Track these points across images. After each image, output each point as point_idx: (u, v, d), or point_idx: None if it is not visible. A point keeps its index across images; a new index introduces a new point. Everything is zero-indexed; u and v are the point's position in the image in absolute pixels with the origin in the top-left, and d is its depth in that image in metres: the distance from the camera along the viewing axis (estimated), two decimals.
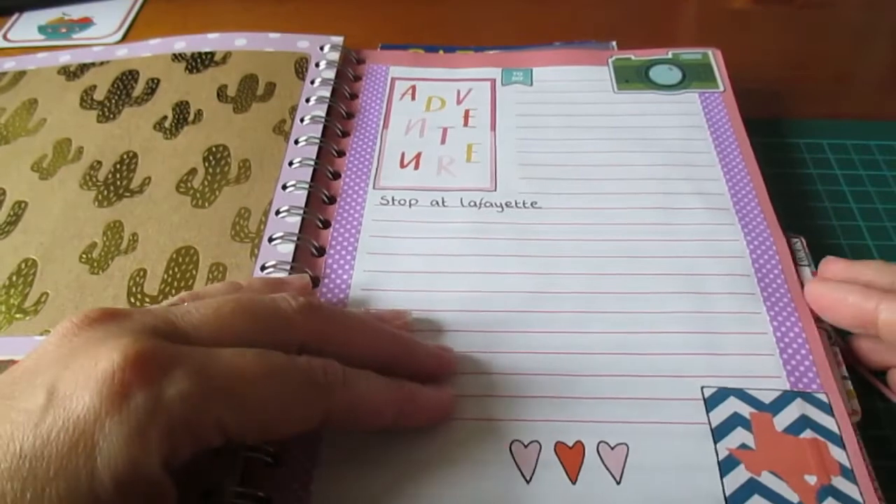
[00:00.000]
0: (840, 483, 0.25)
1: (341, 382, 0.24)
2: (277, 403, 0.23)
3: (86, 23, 0.54)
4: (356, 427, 0.26)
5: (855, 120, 0.42)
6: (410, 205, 0.35)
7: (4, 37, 0.53)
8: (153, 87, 0.42)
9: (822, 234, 0.36)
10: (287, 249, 0.33)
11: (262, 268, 0.32)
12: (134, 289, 0.32)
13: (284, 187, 0.35)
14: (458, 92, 0.42)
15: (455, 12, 0.53)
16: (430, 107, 0.41)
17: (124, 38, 0.51)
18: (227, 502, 0.24)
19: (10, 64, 0.45)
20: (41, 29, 0.53)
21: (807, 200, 0.38)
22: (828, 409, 0.27)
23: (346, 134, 0.40)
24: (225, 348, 0.22)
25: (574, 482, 0.25)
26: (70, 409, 0.20)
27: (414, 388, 0.26)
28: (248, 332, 0.24)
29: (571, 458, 0.26)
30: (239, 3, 0.55)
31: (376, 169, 0.37)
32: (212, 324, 0.23)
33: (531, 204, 0.35)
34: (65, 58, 0.45)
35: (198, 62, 0.43)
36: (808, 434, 0.26)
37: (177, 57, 0.43)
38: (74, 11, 0.55)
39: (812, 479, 0.25)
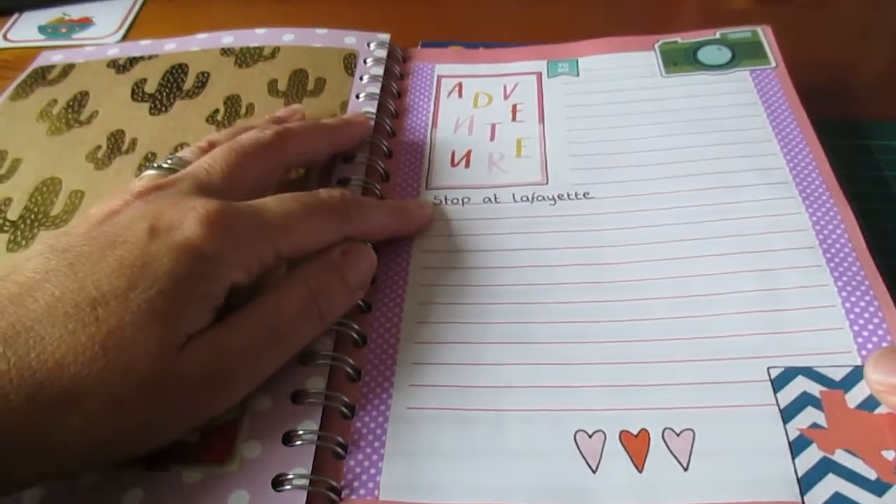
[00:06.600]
0: None
1: (356, 208, 0.31)
2: (311, 230, 0.29)
3: (86, 23, 0.54)
4: (369, 238, 0.32)
5: (854, 120, 0.41)
6: (463, 203, 0.36)
7: (4, 37, 0.53)
8: (203, 80, 0.42)
9: None
10: None
11: None
12: None
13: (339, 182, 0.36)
14: (505, 87, 0.42)
15: (455, 10, 0.53)
16: (477, 103, 0.41)
17: (124, 38, 0.52)
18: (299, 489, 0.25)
19: (58, 56, 0.46)
20: (41, 29, 0.54)
21: None
22: None
23: (393, 133, 0.40)
24: (268, 198, 0.29)
25: (641, 470, 0.26)
26: (174, 236, 0.26)
27: (406, 206, 0.34)
28: (254, 171, 0.31)
29: (637, 446, 0.26)
30: (239, 4, 0.55)
31: (427, 169, 0.38)
32: (229, 173, 0.30)
33: (584, 195, 0.35)
34: (113, 51, 0.46)
35: (247, 57, 0.43)
36: (883, 409, 0.26)
37: (226, 51, 0.44)
38: (74, 11, 0.55)
39: (890, 455, 0.25)
